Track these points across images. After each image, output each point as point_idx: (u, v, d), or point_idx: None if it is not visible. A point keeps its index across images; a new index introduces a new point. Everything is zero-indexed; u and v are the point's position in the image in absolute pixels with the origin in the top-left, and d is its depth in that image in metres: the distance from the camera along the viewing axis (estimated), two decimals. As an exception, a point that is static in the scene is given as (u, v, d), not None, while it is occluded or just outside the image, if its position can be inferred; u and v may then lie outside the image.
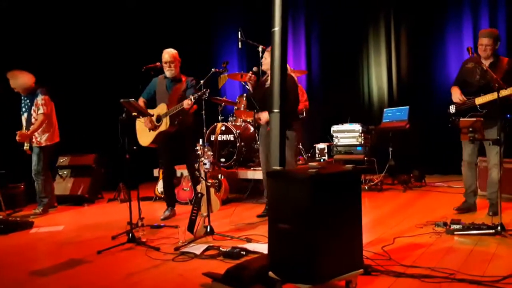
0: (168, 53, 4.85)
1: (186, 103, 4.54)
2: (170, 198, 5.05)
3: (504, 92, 3.88)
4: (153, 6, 7.80)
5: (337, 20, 7.78)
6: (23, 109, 5.46)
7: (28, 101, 5.42)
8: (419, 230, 3.90)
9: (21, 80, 5.35)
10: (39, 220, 5.09)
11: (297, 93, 4.59)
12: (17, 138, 5.28)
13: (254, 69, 4.57)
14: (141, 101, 4.98)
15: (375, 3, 7.62)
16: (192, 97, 4.49)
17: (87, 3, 6.95)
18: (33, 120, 5.37)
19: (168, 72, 4.87)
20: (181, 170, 5.77)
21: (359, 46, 7.83)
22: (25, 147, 5.36)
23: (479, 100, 4.17)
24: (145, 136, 4.92)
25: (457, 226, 3.74)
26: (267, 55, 4.47)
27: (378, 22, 7.64)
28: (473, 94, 4.24)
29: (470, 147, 4.38)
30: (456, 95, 4.33)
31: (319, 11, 8.09)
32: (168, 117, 4.70)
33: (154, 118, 4.80)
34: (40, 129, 5.34)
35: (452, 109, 4.41)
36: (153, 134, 4.84)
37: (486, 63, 4.16)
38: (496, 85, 3.84)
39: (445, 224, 3.87)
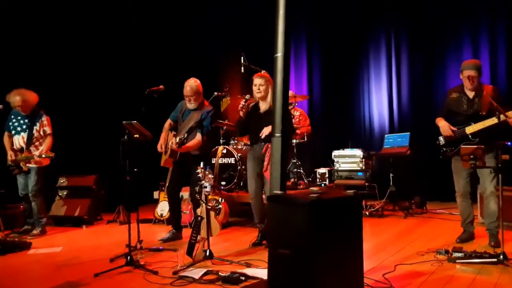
0: (190, 86, 4.72)
1: (171, 144, 4.57)
2: (174, 221, 5.00)
3: (494, 121, 3.94)
4: (157, 27, 7.90)
5: (338, 46, 7.89)
6: (18, 128, 5.40)
7: (27, 120, 5.39)
8: (421, 258, 3.86)
9: (29, 98, 5.34)
10: (37, 241, 5.04)
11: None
12: (36, 158, 5.20)
13: (247, 96, 4.61)
14: (167, 124, 4.98)
15: (376, 29, 7.74)
16: (175, 140, 4.50)
17: (88, 22, 7.04)
18: (34, 140, 5.37)
19: (188, 105, 4.82)
20: (181, 193, 5.74)
21: (360, 71, 7.92)
22: (24, 168, 5.28)
23: (469, 129, 4.18)
24: (163, 156, 4.90)
25: (459, 254, 3.70)
26: (259, 81, 4.54)
27: (379, 49, 7.74)
28: (461, 123, 4.26)
29: (463, 178, 4.36)
30: (446, 127, 4.32)
31: (320, 37, 8.21)
32: (169, 148, 4.70)
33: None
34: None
35: (442, 141, 4.39)
36: (165, 157, 4.84)
37: (472, 92, 4.23)
38: (497, 112, 3.87)
39: (446, 251, 3.83)
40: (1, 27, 6.18)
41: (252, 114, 4.61)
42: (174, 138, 4.58)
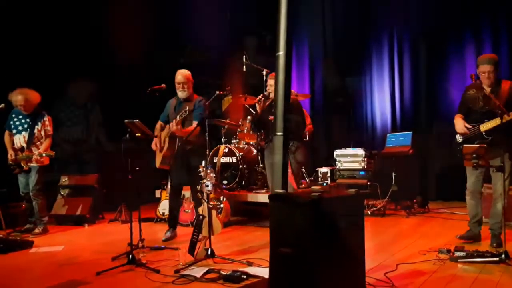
0: (181, 74, 4.86)
1: (171, 126, 4.58)
2: (172, 219, 5.01)
3: (507, 118, 3.82)
4: (158, 27, 7.89)
5: (340, 44, 7.88)
6: (19, 128, 5.40)
7: (28, 119, 5.40)
8: (423, 257, 3.85)
9: (31, 98, 5.35)
10: (39, 239, 5.06)
11: (303, 114, 4.79)
12: (36, 157, 5.22)
13: (266, 93, 4.67)
14: (158, 125, 5.01)
15: (378, 28, 7.72)
16: (178, 117, 4.51)
17: (89, 22, 7.02)
18: (35, 139, 5.37)
19: (180, 93, 4.88)
20: (183, 192, 5.74)
21: (362, 70, 7.91)
22: (25, 167, 5.28)
23: (483, 127, 4.09)
24: (158, 157, 4.94)
25: (461, 254, 3.69)
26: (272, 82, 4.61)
27: (381, 47, 7.73)
28: (477, 121, 4.16)
29: (475, 176, 4.25)
30: (460, 125, 4.24)
31: (322, 35, 8.19)
32: (167, 140, 4.71)
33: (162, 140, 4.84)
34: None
35: (459, 138, 4.30)
36: (160, 156, 4.84)
37: (488, 88, 4.09)
38: (499, 111, 3.78)
39: (448, 251, 3.82)
40: (3, 26, 6.18)
41: (269, 112, 4.65)
42: (174, 120, 4.57)
